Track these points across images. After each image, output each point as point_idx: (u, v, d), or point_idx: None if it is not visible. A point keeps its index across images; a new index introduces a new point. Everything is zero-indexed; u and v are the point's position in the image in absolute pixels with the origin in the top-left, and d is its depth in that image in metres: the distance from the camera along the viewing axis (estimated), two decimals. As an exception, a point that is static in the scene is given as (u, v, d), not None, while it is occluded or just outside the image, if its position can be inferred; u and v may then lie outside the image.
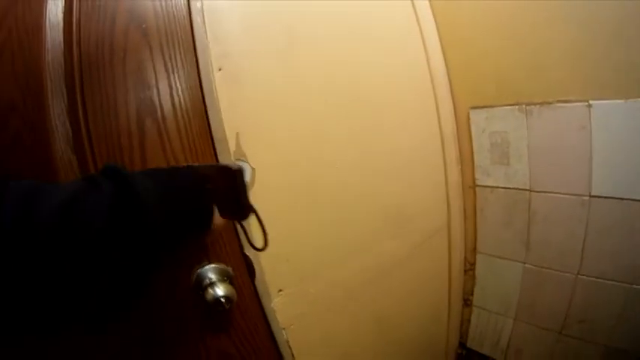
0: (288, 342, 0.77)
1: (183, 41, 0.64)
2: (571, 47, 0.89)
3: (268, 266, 0.73)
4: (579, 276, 0.97)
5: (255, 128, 0.74)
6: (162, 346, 0.60)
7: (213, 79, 0.66)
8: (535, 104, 0.98)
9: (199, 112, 0.64)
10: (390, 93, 1.00)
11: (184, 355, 0.62)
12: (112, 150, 0.56)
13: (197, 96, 0.64)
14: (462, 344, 1.27)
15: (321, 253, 0.85)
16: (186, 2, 0.66)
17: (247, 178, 0.69)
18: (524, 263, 1.08)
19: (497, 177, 1.09)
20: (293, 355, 0.78)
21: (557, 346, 1.04)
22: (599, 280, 0.94)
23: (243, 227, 0.64)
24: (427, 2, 1.11)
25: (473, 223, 1.18)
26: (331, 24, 0.89)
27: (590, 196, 0.92)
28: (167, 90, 0.60)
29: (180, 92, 0.62)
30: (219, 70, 0.68)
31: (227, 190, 0.51)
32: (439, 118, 1.12)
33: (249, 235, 0.65)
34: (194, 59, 0.65)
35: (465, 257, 1.21)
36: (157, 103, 0.59)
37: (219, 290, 0.60)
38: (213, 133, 0.65)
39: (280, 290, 0.77)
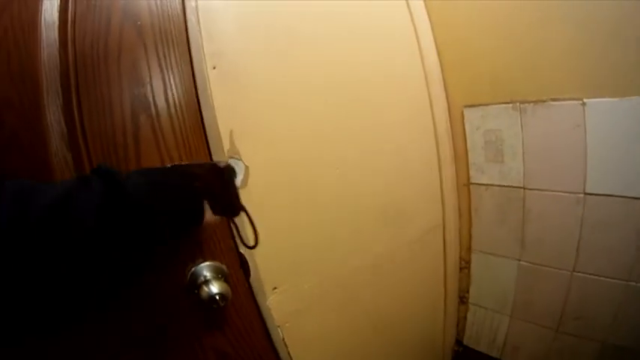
0: (283, 339, 0.77)
1: (178, 40, 0.64)
2: (566, 47, 0.90)
3: (263, 264, 0.73)
4: (575, 273, 0.97)
5: (249, 126, 0.74)
6: (158, 345, 0.60)
7: (207, 77, 0.67)
8: (529, 102, 0.98)
9: (193, 110, 0.65)
10: (384, 92, 1.01)
11: (180, 354, 0.62)
12: (106, 147, 0.56)
13: (191, 94, 0.65)
14: (459, 342, 1.27)
15: (315, 251, 0.85)
16: (180, 1, 0.66)
17: (240, 175, 0.70)
18: (520, 260, 1.08)
19: (491, 175, 1.10)
20: (289, 353, 0.78)
21: (553, 343, 1.04)
22: (594, 277, 0.94)
23: (235, 225, 0.65)
24: (422, 2, 1.12)
25: (468, 220, 1.18)
26: (326, 23, 0.90)
27: (585, 194, 0.92)
28: (161, 88, 0.61)
29: (174, 90, 0.62)
30: (214, 68, 0.69)
31: (217, 187, 0.52)
32: (433, 116, 1.13)
33: (242, 232, 0.65)
34: (188, 58, 0.65)
35: (460, 255, 1.22)
36: (151, 100, 0.59)
37: (214, 288, 0.60)
38: (207, 131, 0.66)
39: (275, 288, 0.77)
